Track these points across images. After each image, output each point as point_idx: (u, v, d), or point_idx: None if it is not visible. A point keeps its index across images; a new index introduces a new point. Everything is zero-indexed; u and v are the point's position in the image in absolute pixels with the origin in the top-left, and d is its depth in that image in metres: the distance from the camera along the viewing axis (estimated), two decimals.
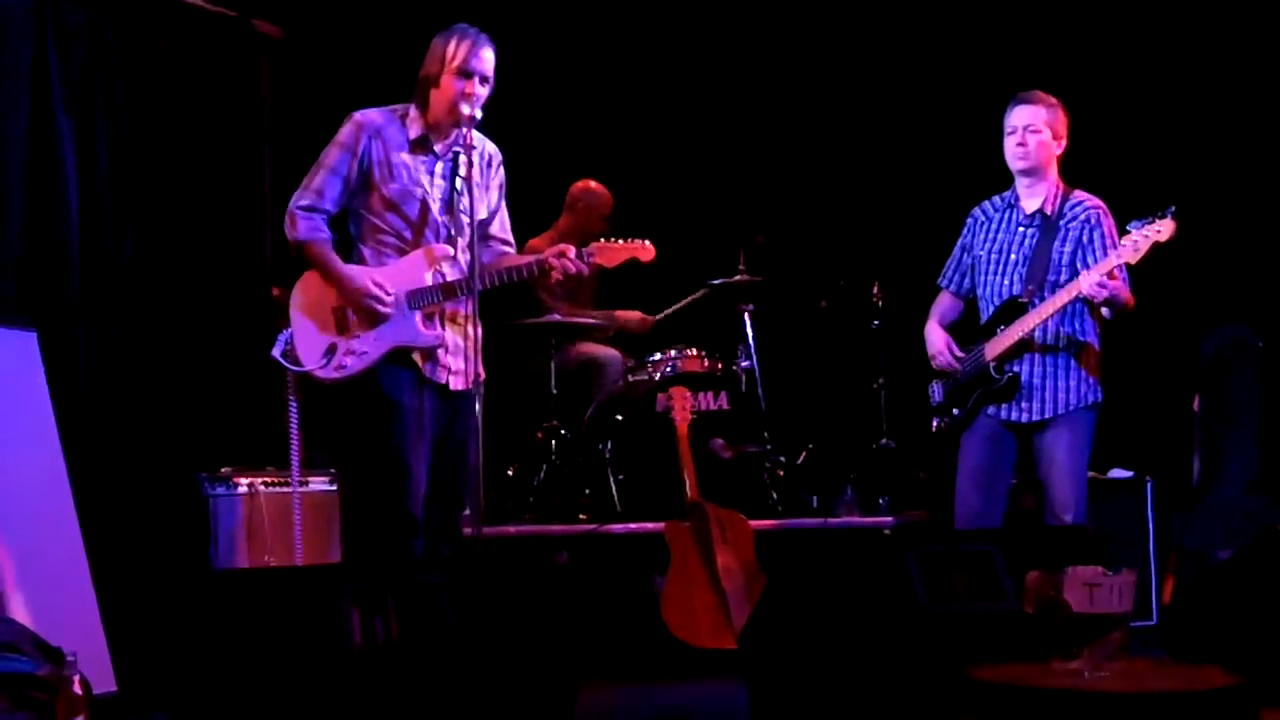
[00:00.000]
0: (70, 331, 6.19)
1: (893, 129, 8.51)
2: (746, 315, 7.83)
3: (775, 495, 7.29)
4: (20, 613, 4.79)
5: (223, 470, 6.23)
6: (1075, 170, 5.97)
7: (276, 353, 5.29)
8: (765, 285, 7.77)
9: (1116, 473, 7.13)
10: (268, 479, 6.25)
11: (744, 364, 7.75)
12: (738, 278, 7.72)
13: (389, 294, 5.25)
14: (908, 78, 8.49)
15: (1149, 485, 7.10)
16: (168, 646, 4.95)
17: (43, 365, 5.41)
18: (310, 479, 6.31)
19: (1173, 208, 5.38)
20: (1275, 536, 5.49)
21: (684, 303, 8.00)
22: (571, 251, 5.42)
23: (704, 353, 7.53)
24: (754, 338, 7.82)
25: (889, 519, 7.18)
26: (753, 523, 6.55)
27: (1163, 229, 5.38)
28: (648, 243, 5.56)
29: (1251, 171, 7.61)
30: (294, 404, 5.77)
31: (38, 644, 4.16)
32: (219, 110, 7.05)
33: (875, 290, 7.77)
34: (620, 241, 5.54)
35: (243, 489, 6.18)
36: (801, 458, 7.79)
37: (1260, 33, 7.58)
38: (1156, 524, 7.05)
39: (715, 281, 7.76)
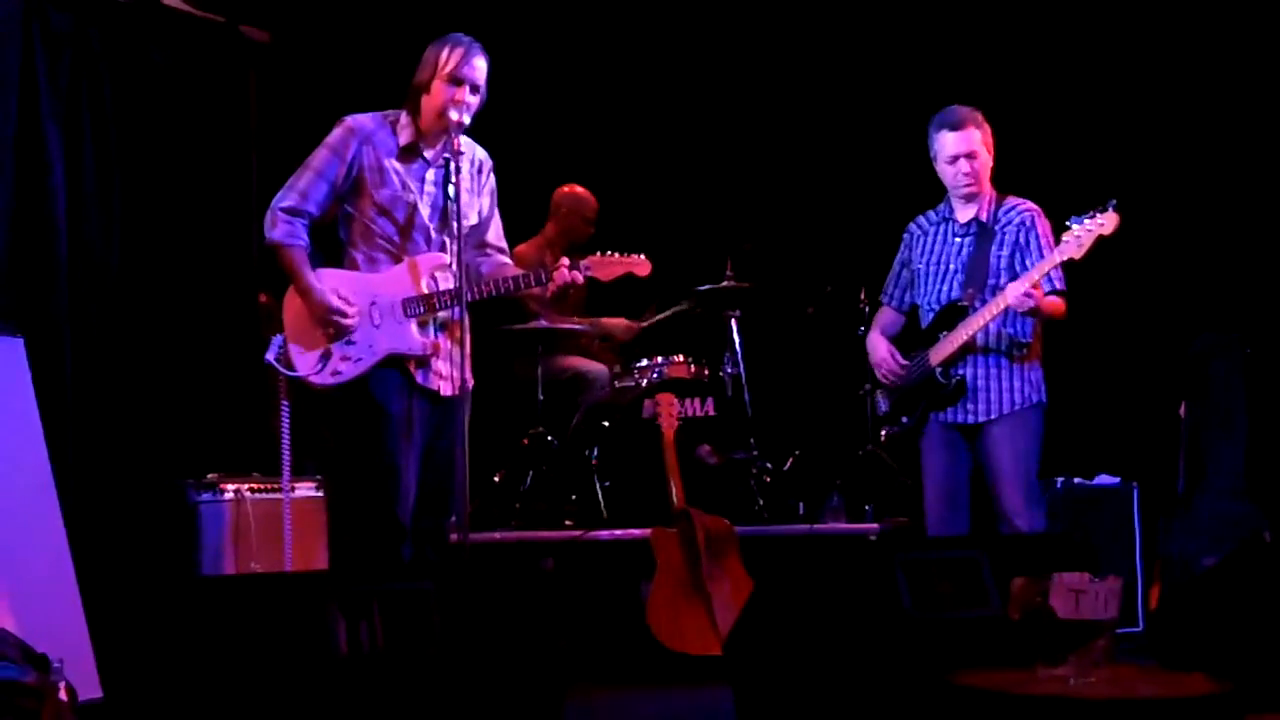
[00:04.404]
0: (57, 338, 6.20)
1: (879, 136, 8.49)
2: (733, 322, 7.83)
3: (761, 501, 7.30)
4: (6, 619, 4.78)
5: (209, 476, 6.23)
6: (1013, 176, 6.01)
7: (270, 357, 5.27)
8: (752, 292, 7.77)
9: (1103, 479, 7.13)
10: (254, 485, 6.24)
11: (730, 370, 7.75)
12: (725, 284, 7.72)
13: (351, 307, 5.25)
14: (894, 85, 8.48)
15: (1135, 491, 7.10)
16: (153, 653, 4.94)
17: (30, 371, 5.40)
18: (297, 485, 6.30)
19: (1114, 200, 5.37)
20: (1261, 543, 5.50)
21: (669, 312, 7.98)
22: (566, 264, 5.43)
23: (691, 359, 7.53)
24: (741, 344, 7.82)
25: (874, 525, 7.19)
26: (739, 529, 6.56)
27: (1106, 222, 5.37)
28: (644, 257, 5.55)
29: (1241, 177, 7.60)
30: (286, 409, 5.75)
31: (24, 650, 4.16)
32: (206, 116, 7.05)
33: (862, 296, 7.73)
34: (616, 255, 5.53)
35: (229, 495, 6.17)
36: (788, 464, 7.79)
37: (1258, 34, 7.60)
38: (1143, 530, 7.05)
39: (702, 288, 7.75)
